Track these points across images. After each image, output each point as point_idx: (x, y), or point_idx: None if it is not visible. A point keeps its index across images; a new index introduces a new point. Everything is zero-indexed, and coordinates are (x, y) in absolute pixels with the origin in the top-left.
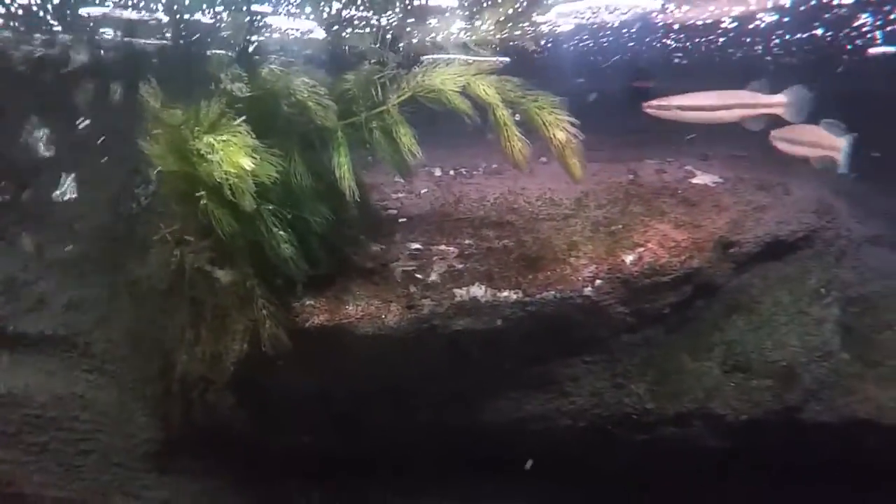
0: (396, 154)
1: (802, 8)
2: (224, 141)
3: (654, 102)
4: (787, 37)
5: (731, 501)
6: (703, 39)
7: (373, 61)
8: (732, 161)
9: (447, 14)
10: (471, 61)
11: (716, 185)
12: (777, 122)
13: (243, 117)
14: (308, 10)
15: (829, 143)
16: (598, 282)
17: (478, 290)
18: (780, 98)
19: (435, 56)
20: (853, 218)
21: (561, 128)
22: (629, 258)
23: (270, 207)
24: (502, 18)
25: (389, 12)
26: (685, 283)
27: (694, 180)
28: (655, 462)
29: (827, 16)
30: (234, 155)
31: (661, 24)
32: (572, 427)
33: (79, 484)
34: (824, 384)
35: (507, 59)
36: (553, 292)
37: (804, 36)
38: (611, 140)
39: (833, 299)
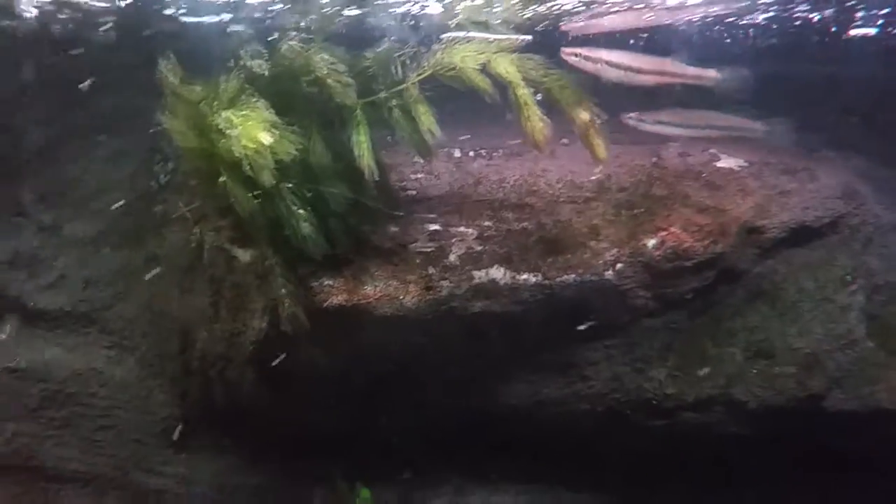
0: (416, 133)
1: None
2: (243, 116)
3: (581, 51)
4: None
5: (751, 489)
6: None
7: (393, 38)
8: (758, 144)
9: None
10: (492, 39)
11: (741, 168)
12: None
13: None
14: None
15: (743, 125)
16: (619, 266)
17: (497, 273)
18: (711, 73)
19: (456, 34)
20: (880, 204)
21: (585, 107)
22: (651, 242)
23: (290, 185)
24: None
25: None
26: (708, 268)
27: (719, 164)
28: (675, 448)
29: None
30: (252, 130)
31: None
32: (591, 411)
33: (98, 459)
34: (848, 372)
35: (529, 38)
36: (573, 276)
37: None
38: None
39: (858, 287)
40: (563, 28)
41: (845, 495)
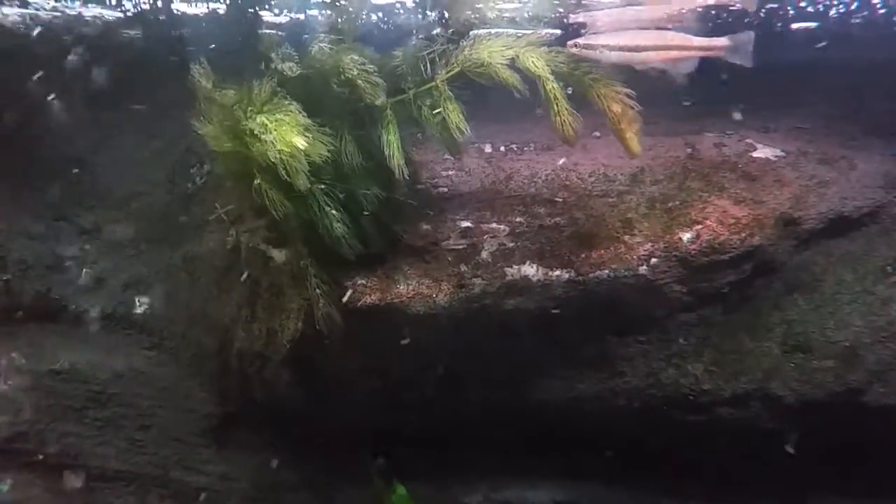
0: (445, 131)
1: None
2: (277, 120)
3: (581, 41)
4: None
5: (788, 484)
6: None
7: (421, 36)
8: (795, 134)
9: None
10: (520, 34)
11: (777, 158)
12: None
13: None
14: None
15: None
16: (653, 260)
17: (529, 270)
18: (722, 41)
19: (484, 30)
20: None
21: (617, 100)
22: (687, 236)
23: (322, 187)
24: None
25: None
26: (745, 262)
27: (755, 154)
28: (711, 443)
29: None
30: (287, 134)
31: None
32: (626, 407)
33: (140, 458)
34: (889, 366)
35: (559, 32)
36: (606, 271)
37: None
38: (667, 112)
39: None
40: (570, 22)
41: (885, 490)
